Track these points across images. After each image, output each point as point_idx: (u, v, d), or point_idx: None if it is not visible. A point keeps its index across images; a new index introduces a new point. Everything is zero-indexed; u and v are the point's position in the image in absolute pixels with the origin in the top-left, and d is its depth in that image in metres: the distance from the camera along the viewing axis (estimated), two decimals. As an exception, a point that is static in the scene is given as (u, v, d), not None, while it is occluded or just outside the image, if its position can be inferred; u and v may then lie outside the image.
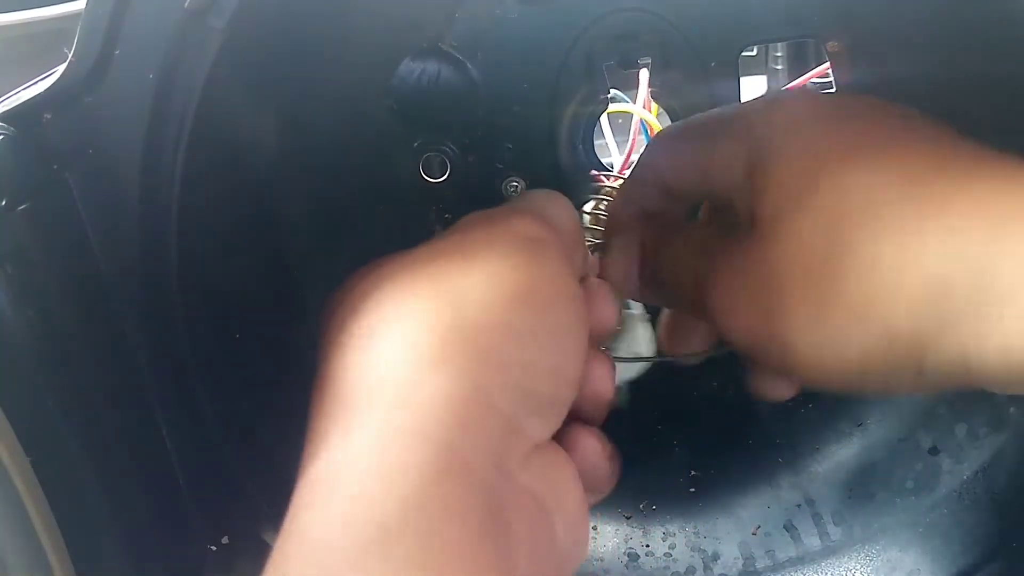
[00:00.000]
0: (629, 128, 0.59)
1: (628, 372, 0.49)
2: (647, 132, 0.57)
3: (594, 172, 0.55)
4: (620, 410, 0.48)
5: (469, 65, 0.55)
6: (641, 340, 0.47)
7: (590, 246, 0.48)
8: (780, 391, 0.43)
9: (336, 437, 0.31)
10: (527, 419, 0.34)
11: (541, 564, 0.33)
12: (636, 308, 0.48)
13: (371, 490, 0.29)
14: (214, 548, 0.44)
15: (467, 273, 0.35)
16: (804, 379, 0.39)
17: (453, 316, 0.33)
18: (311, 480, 0.31)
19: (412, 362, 0.32)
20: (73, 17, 0.57)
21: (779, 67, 0.77)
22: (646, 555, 0.56)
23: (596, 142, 0.59)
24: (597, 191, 0.54)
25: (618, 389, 0.47)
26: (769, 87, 0.74)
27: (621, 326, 0.47)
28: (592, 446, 0.38)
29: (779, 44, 0.72)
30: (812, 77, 0.65)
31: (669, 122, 0.57)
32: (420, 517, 0.29)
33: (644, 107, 0.58)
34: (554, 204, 0.42)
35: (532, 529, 0.33)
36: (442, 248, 0.37)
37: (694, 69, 0.56)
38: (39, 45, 0.59)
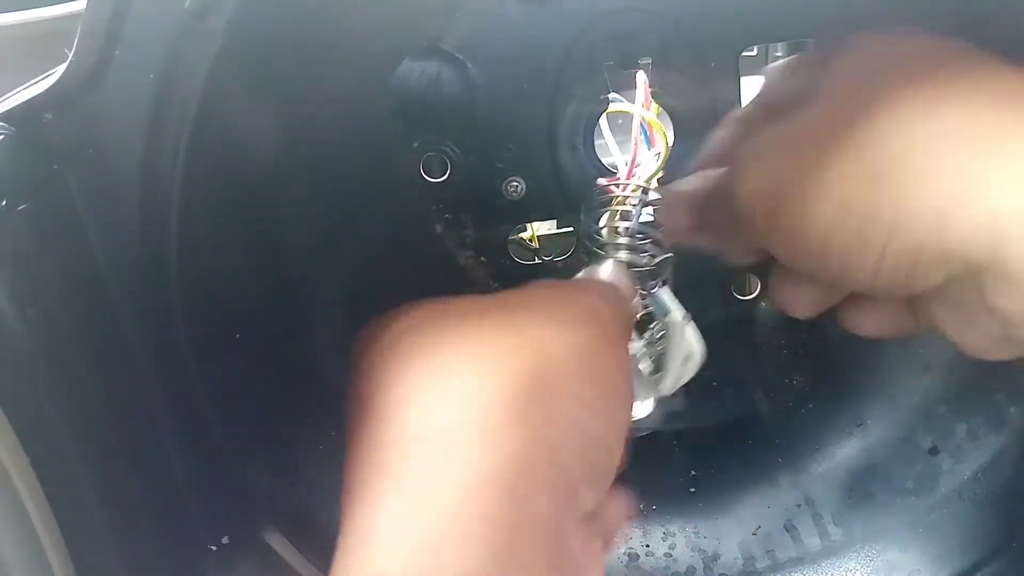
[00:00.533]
0: (629, 128, 0.59)
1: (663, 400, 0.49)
2: (646, 133, 0.57)
3: (602, 181, 0.55)
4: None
5: (469, 65, 0.55)
6: (692, 340, 0.47)
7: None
8: (802, 304, 0.43)
9: (396, 485, 0.31)
10: (584, 488, 0.34)
11: None
12: (677, 311, 0.48)
13: (450, 541, 0.29)
14: (214, 548, 0.43)
15: (542, 333, 0.35)
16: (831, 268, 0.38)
17: (530, 373, 0.33)
18: (370, 536, 0.31)
19: (483, 415, 0.32)
20: (73, 17, 0.57)
21: (779, 67, 0.77)
22: (646, 555, 0.56)
23: (596, 142, 0.59)
24: (608, 202, 0.54)
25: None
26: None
27: (667, 336, 0.48)
28: (618, 508, 0.39)
29: (779, 44, 0.73)
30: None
31: (669, 122, 0.57)
32: (497, 570, 0.29)
33: (644, 107, 0.58)
34: (618, 280, 0.43)
35: None
36: (507, 303, 0.37)
37: (694, 69, 0.56)
38: (39, 45, 0.59)
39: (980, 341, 0.37)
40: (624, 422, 0.37)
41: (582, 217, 0.55)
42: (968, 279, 0.34)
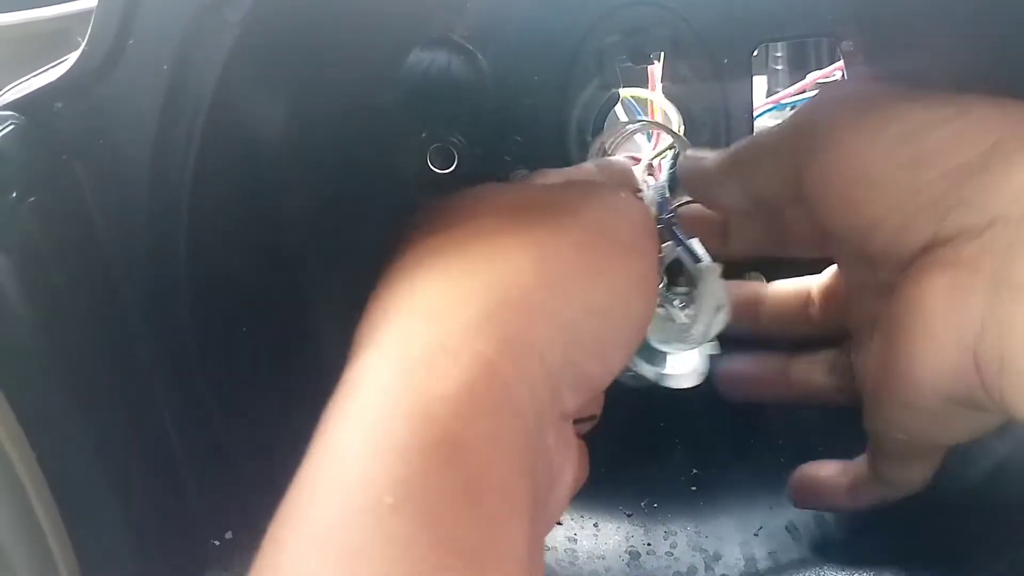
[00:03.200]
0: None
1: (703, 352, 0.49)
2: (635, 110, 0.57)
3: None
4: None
5: (479, 56, 0.54)
6: (723, 289, 0.47)
7: None
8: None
9: (380, 347, 0.31)
10: (567, 389, 0.34)
11: (535, 526, 0.32)
12: (706, 257, 0.48)
13: (425, 402, 0.28)
14: (217, 543, 0.43)
15: (566, 237, 0.35)
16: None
17: (542, 269, 0.34)
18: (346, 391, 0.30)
19: (487, 295, 0.32)
20: (74, 17, 0.56)
21: (779, 67, 0.76)
22: (648, 554, 0.56)
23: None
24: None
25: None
26: (769, 87, 0.74)
27: (700, 284, 0.48)
28: (594, 408, 0.40)
29: (779, 44, 0.72)
30: (815, 80, 0.65)
31: (679, 116, 0.57)
32: (469, 442, 0.28)
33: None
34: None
35: (540, 489, 0.33)
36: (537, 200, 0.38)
37: (706, 65, 0.56)
38: (39, 45, 0.58)
39: None
40: (629, 340, 0.37)
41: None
42: None
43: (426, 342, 0.30)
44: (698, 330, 0.47)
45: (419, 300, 0.33)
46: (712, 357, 0.49)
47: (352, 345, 0.34)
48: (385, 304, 0.34)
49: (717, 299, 0.47)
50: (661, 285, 0.49)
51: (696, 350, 0.48)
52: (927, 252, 0.37)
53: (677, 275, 0.49)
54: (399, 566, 0.25)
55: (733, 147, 0.46)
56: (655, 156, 0.54)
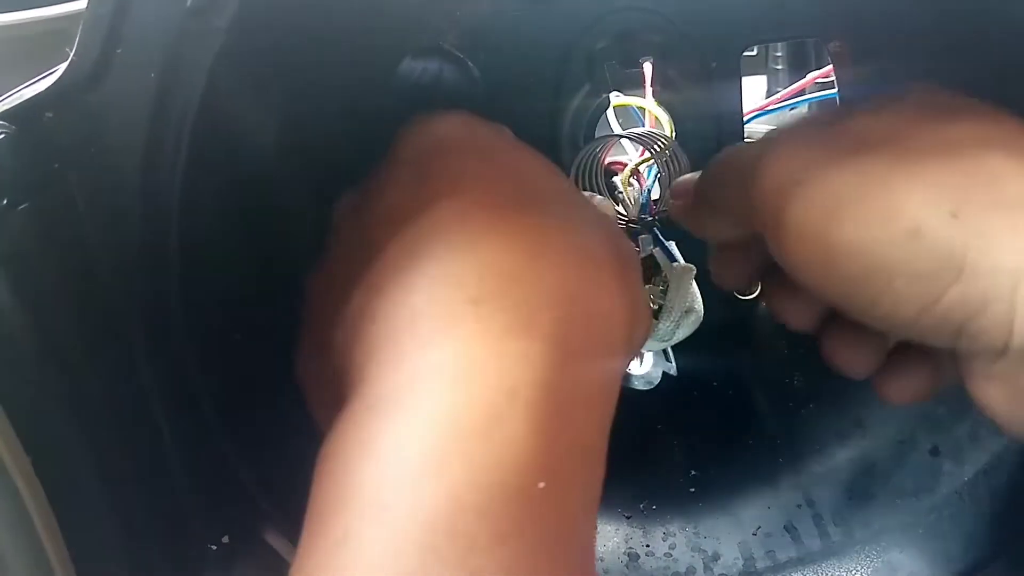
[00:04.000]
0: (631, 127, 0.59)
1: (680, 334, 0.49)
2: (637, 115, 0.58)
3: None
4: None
5: (470, 64, 0.55)
6: (695, 292, 0.47)
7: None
8: (799, 318, 0.42)
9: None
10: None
11: None
12: (681, 260, 0.48)
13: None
14: (214, 547, 0.43)
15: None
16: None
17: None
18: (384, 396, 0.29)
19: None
20: (73, 17, 0.56)
21: (779, 67, 0.77)
22: (646, 555, 0.56)
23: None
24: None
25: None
26: (769, 87, 0.74)
27: (672, 285, 0.48)
28: None
29: (779, 44, 0.73)
30: (814, 80, 0.65)
31: (670, 120, 0.57)
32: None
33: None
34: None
35: None
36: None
37: (695, 68, 0.56)
38: (39, 45, 0.59)
39: None
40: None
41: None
42: None
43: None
44: (665, 327, 0.47)
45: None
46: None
47: (347, 349, 0.32)
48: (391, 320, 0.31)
49: (688, 301, 0.47)
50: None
51: (652, 357, 0.48)
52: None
53: (653, 275, 0.50)
54: None
55: (701, 175, 0.44)
56: (641, 162, 0.55)
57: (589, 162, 0.56)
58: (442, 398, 0.28)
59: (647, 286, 0.49)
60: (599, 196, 0.49)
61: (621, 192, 0.54)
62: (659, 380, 0.49)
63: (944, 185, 0.32)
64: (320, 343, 0.36)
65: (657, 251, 0.49)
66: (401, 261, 0.32)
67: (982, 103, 0.36)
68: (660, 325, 0.47)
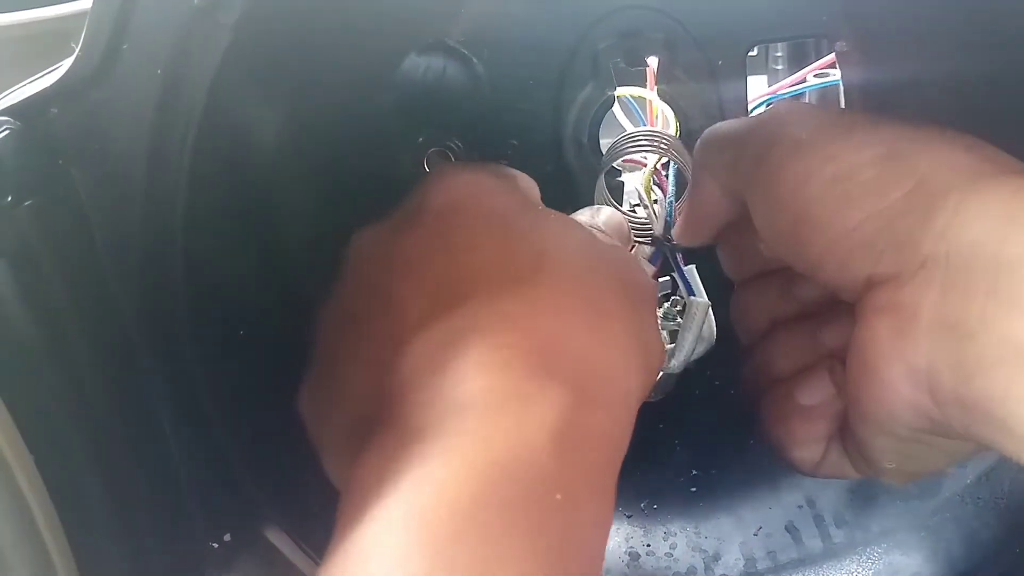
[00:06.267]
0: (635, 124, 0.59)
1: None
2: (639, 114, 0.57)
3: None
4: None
5: (474, 61, 0.54)
6: (711, 323, 0.48)
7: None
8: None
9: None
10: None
11: None
12: (702, 294, 0.49)
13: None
14: (215, 545, 0.43)
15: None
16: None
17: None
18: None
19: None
20: (73, 17, 0.56)
21: (779, 67, 0.77)
22: (647, 554, 0.56)
23: (601, 140, 0.58)
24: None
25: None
26: (769, 87, 0.74)
27: (687, 314, 0.48)
28: None
29: (779, 44, 0.72)
30: (813, 71, 0.65)
31: (675, 117, 0.57)
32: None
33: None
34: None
35: None
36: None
37: (701, 67, 0.56)
38: (39, 45, 0.58)
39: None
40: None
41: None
42: None
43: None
44: (679, 360, 0.48)
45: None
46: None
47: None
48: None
49: (702, 332, 0.48)
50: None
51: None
52: (869, 292, 0.37)
53: (671, 294, 0.50)
54: None
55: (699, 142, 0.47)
56: (659, 161, 0.54)
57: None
58: (474, 435, 0.30)
59: (664, 306, 0.49)
60: (607, 209, 0.49)
61: (641, 203, 0.54)
62: (670, 388, 0.49)
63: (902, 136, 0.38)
64: (333, 376, 0.37)
65: (677, 277, 0.49)
66: (427, 312, 0.35)
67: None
68: (672, 362, 0.48)
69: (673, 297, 0.50)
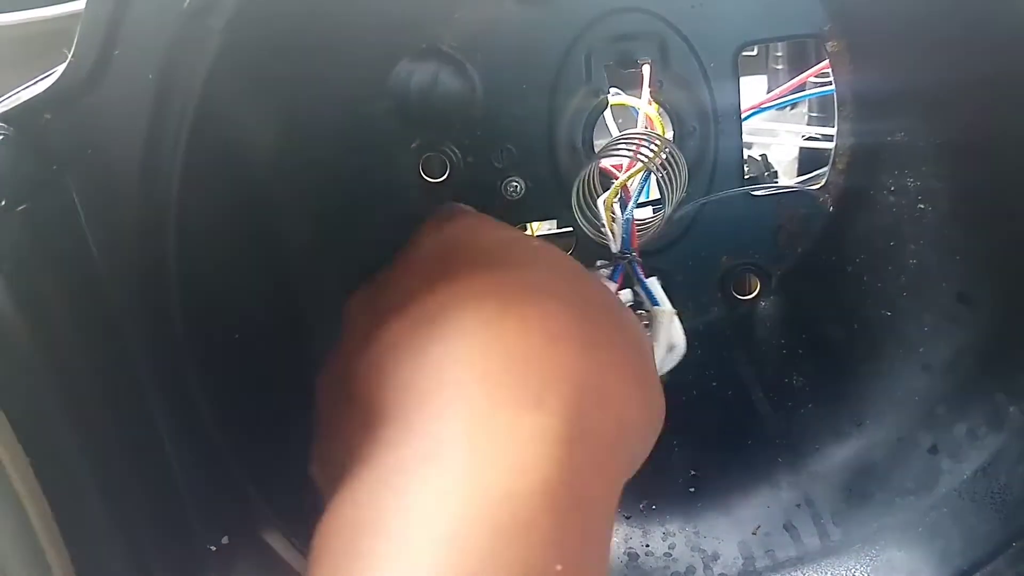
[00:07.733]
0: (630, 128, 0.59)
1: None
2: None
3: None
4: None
5: (468, 66, 0.55)
6: (679, 331, 0.48)
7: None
8: None
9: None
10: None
11: None
12: (667, 303, 0.48)
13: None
14: (214, 548, 0.43)
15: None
16: None
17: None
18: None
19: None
20: (73, 17, 0.56)
21: (779, 67, 0.77)
22: (646, 555, 0.56)
23: (595, 142, 0.59)
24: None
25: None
26: (769, 87, 0.74)
27: (654, 325, 0.48)
28: None
29: (779, 44, 0.73)
30: (810, 76, 0.65)
31: (669, 120, 0.57)
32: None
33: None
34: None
35: None
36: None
37: (693, 69, 0.56)
38: (39, 45, 0.59)
39: None
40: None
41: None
42: None
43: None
44: None
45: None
46: None
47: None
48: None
49: (670, 340, 0.48)
50: None
51: None
52: None
53: (634, 309, 0.50)
54: None
55: None
56: (628, 177, 0.54)
57: (589, 177, 0.55)
58: (455, 471, 0.30)
59: None
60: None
61: (601, 221, 0.53)
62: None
63: None
64: (337, 439, 0.37)
65: (640, 290, 0.49)
66: (412, 342, 0.35)
67: None
68: None
69: (638, 312, 0.50)
